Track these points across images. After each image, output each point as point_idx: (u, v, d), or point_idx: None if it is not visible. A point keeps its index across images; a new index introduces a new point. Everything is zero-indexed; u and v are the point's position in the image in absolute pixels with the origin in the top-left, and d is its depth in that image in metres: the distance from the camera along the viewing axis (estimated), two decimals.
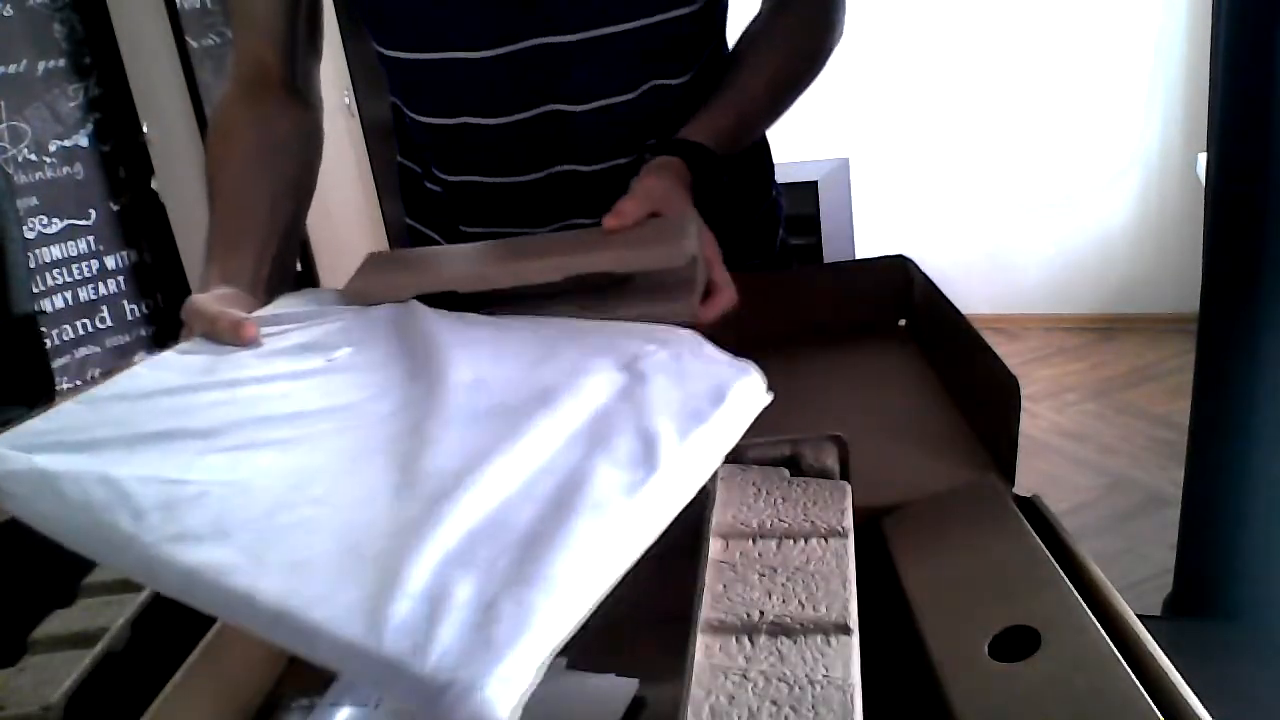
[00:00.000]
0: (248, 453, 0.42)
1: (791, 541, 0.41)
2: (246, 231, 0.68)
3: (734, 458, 0.48)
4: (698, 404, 0.42)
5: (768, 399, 0.44)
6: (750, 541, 0.42)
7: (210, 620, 0.47)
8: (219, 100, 0.78)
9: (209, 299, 0.58)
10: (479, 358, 0.49)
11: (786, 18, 0.80)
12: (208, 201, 0.71)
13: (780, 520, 0.43)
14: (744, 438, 0.48)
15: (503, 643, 0.30)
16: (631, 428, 0.40)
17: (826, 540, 0.41)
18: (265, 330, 0.55)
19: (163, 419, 0.45)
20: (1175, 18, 2.70)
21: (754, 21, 0.81)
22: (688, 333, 0.50)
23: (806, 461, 0.48)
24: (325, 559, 0.34)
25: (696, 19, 0.73)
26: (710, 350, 0.47)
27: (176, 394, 0.48)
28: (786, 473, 0.47)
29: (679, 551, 0.42)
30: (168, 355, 0.54)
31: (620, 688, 0.44)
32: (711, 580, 0.39)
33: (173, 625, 0.48)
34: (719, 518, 0.43)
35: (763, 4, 0.81)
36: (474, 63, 0.73)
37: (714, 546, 0.41)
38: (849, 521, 0.43)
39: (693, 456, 0.39)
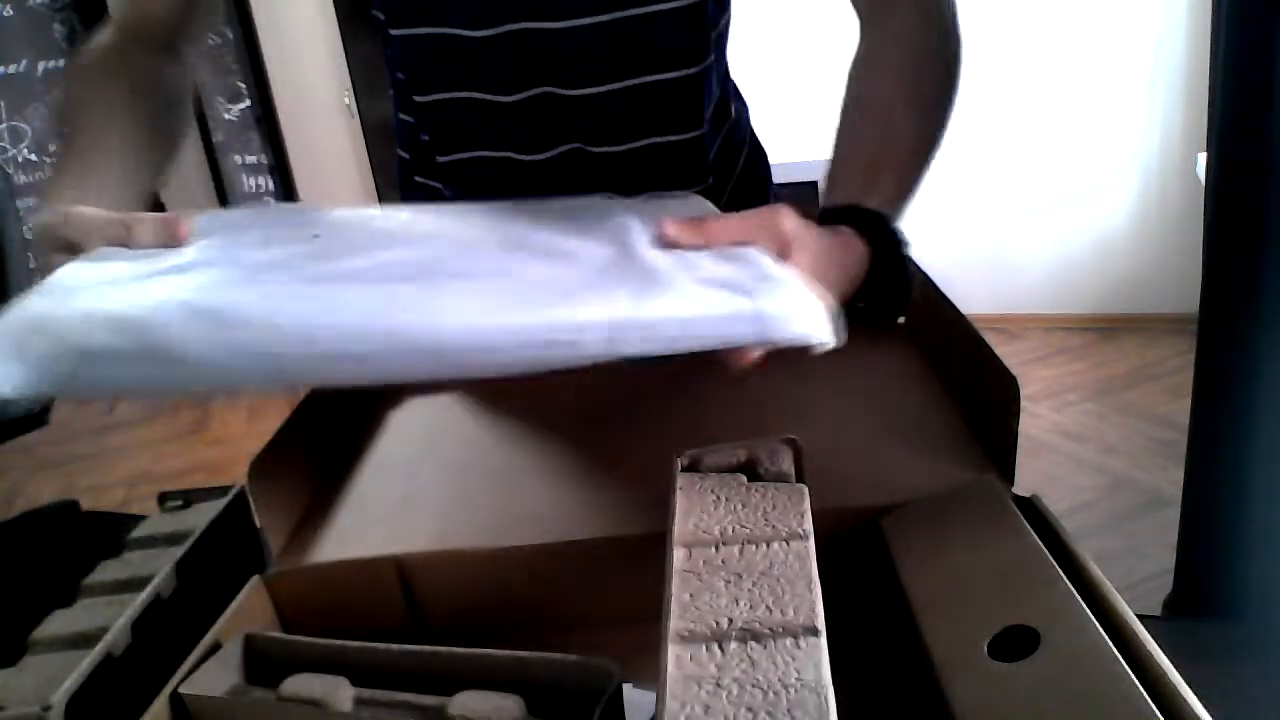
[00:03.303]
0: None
1: (754, 547, 0.41)
2: (99, 170, 0.65)
3: (691, 466, 0.49)
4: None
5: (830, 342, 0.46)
6: (713, 549, 0.42)
7: (210, 621, 0.47)
8: (90, 42, 0.75)
9: (94, 210, 0.54)
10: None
11: (893, 43, 0.69)
12: (62, 139, 0.68)
13: (741, 526, 0.43)
14: (700, 446, 0.48)
15: None
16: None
17: (788, 543, 0.41)
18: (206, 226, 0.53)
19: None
20: (1175, 18, 2.70)
21: (858, 58, 0.70)
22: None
23: (763, 466, 0.48)
24: None
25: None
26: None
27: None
28: (744, 478, 0.47)
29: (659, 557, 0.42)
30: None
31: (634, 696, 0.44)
32: (678, 590, 0.39)
33: (173, 625, 0.48)
34: (680, 527, 0.43)
35: (861, 29, 0.71)
36: (472, 40, 0.72)
37: (677, 556, 0.41)
38: (809, 524, 0.43)
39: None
